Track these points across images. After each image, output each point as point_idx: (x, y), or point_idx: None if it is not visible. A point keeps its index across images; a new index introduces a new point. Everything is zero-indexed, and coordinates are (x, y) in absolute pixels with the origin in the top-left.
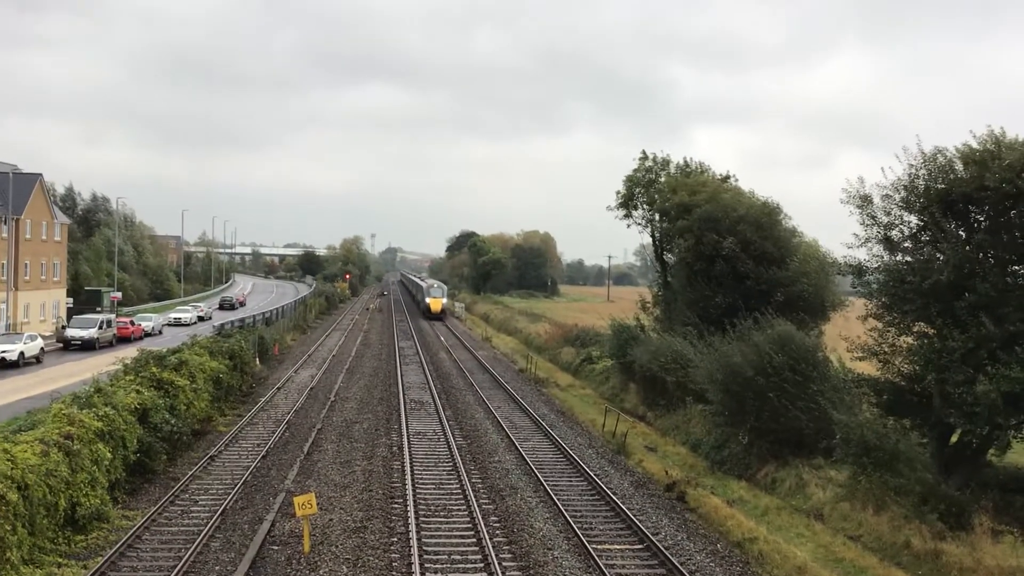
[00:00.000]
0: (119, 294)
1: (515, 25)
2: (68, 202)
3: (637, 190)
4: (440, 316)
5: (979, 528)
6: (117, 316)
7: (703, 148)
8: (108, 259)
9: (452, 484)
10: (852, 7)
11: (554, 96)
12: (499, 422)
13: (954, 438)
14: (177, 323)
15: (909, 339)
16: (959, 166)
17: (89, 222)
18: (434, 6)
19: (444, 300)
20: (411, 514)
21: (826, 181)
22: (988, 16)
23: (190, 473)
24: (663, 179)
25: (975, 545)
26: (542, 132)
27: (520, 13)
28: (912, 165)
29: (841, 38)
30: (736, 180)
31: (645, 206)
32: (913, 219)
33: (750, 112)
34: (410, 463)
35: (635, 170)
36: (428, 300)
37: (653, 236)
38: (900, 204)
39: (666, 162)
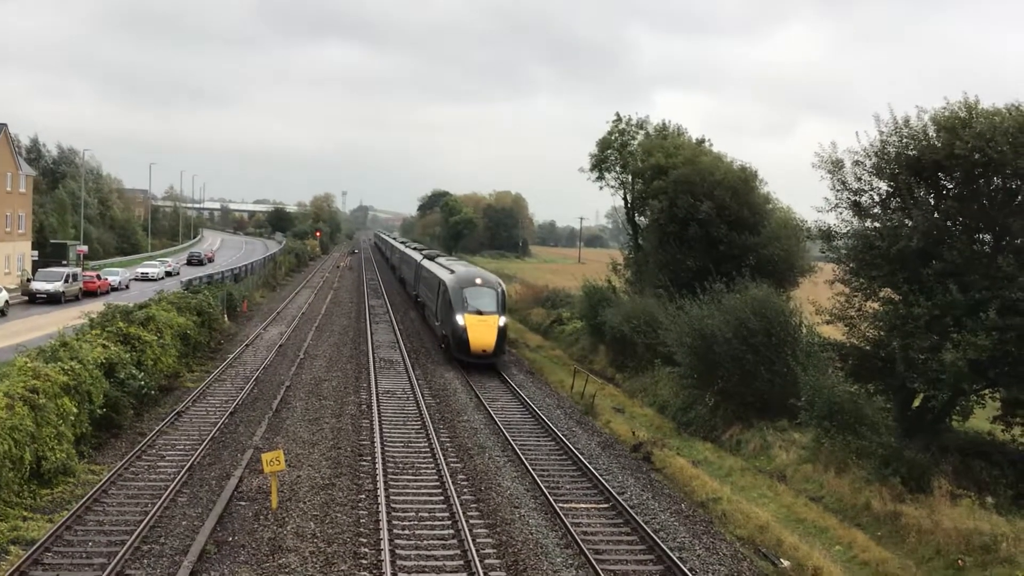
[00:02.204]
0: (85, 248)
1: None
2: (34, 154)
3: (610, 152)
4: (491, 357)
5: (938, 491)
6: (83, 270)
7: (665, 113)
8: (74, 212)
9: (421, 442)
10: None
11: (517, 59)
12: (468, 382)
13: (916, 402)
14: (144, 278)
15: (875, 304)
16: (932, 132)
17: (55, 174)
18: None
19: (503, 319)
20: (379, 472)
21: (787, 148)
22: None
23: (157, 428)
24: (637, 141)
25: (934, 507)
26: (507, 95)
27: None
28: (883, 131)
29: (799, 8)
30: (711, 144)
31: (618, 168)
32: (883, 185)
33: (711, 79)
34: (379, 421)
35: (608, 132)
36: (461, 316)
37: (625, 199)
38: (871, 170)
39: (641, 124)
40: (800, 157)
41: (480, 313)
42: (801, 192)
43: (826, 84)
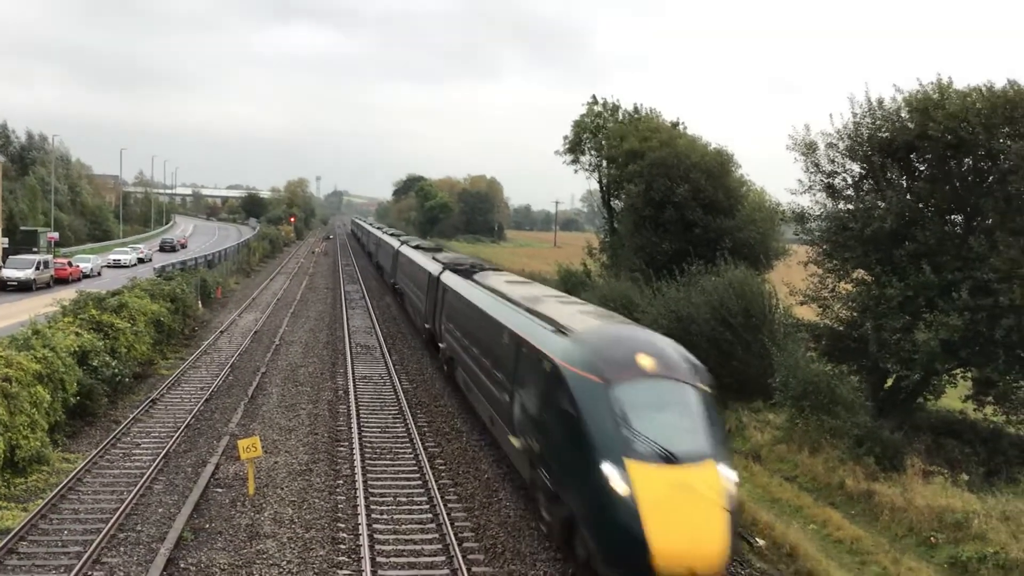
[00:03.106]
0: (56, 235)
1: None
2: (2, 140)
3: (585, 135)
4: None
5: (911, 470)
6: (55, 257)
7: (629, 94)
8: (44, 198)
9: (398, 427)
10: None
11: (485, 42)
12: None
13: (888, 382)
14: (117, 265)
15: (848, 286)
16: (904, 113)
17: (24, 160)
18: None
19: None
20: (357, 457)
21: (748, 131)
22: None
23: (132, 416)
24: (612, 125)
25: (906, 486)
26: (478, 77)
27: None
28: (856, 113)
29: None
30: (685, 127)
31: (593, 152)
32: (856, 167)
33: (671, 62)
34: (356, 406)
35: (583, 115)
36: (617, 473)
37: (600, 182)
38: (844, 152)
39: (615, 107)
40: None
41: (671, 460)
42: (766, 171)
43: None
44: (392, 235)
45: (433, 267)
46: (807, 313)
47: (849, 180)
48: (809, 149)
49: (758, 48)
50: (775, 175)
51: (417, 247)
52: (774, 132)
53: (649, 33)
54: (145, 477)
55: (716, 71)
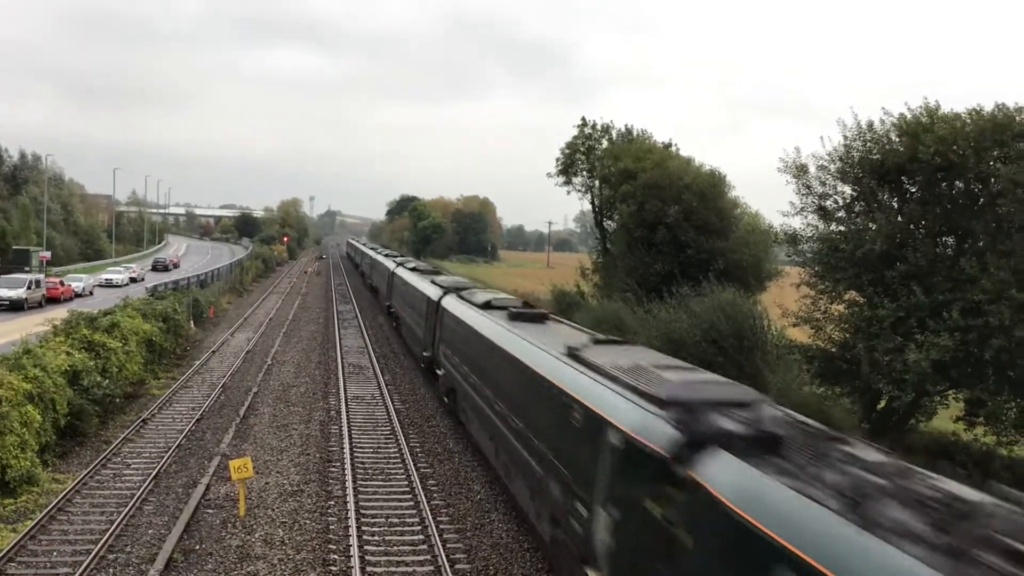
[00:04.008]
0: (48, 253)
1: None
2: None
3: (577, 156)
4: None
5: None
6: (47, 276)
7: (615, 114)
8: (37, 218)
9: (390, 448)
10: None
11: (472, 61)
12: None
13: (881, 404)
14: (109, 284)
15: (840, 307)
16: (895, 136)
17: (16, 180)
18: None
19: None
20: (348, 477)
21: (740, 148)
22: None
23: (122, 436)
24: (603, 145)
25: None
26: (466, 97)
27: None
28: (847, 136)
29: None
30: (678, 148)
31: (585, 173)
32: (847, 189)
33: (660, 79)
34: (348, 427)
35: (575, 137)
36: None
37: (593, 203)
38: (835, 174)
39: (606, 128)
40: (777, 158)
41: None
42: (756, 192)
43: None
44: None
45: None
46: (800, 335)
47: (840, 202)
48: (800, 171)
49: (751, 69)
50: (770, 196)
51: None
52: (768, 153)
53: (641, 52)
54: (135, 498)
55: (709, 91)
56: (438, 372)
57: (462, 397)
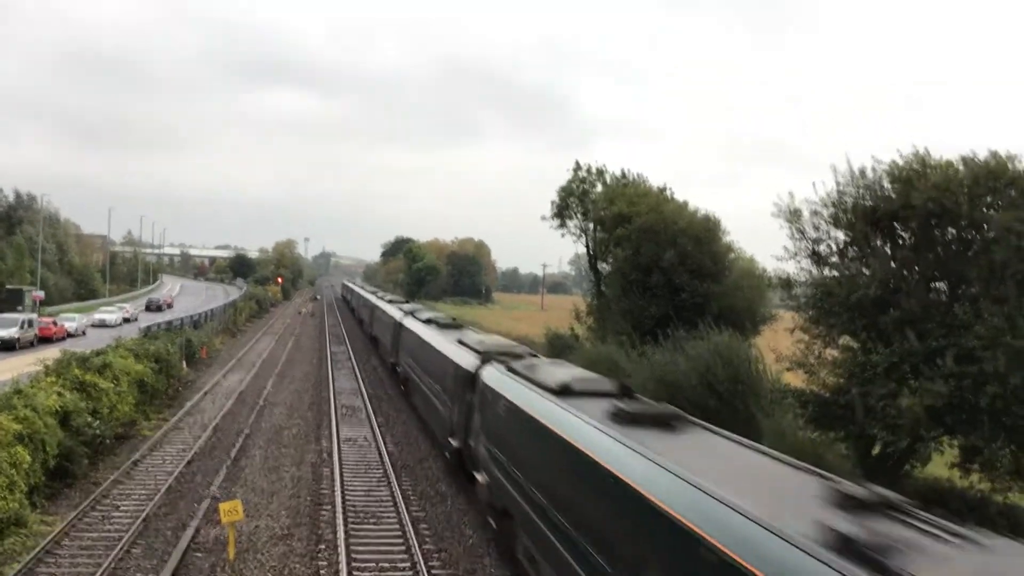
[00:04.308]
0: (42, 293)
1: (417, 37)
2: None
3: (571, 200)
4: None
5: None
6: (40, 316)
7: (612, 160)
8: (31, 257)
9: (382, 491)
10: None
11: (467, 106)
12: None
13: (875, 450)
14: (102, 324)
15: (834, 352)
16: (887, 183)
17: (11, 219)
18: (336, 20)
19: None
20: (339, 521)
21: (733, 193)
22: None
23: (112, 478)
24: (598, 189)
25: None
26: (461, 141)
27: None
28: (840, 182)
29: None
30: (673, 193)
31: (579, 216)
32: (841, 235)
33: (655, 131)
34: (340, 469)
35: (569, 180)
36: None
37: (587, 246)
38: (828, 220)
39: (600, 172)
40: (771, 204)
41: None
42: (750, 239)
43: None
44: (391, 302)
45: (467, 359)
46: (794, 379)
47: (834, 247)
48: (794, 216)
49: (744, 116)
50: (761, 236)
51: (430, 321)
52: (761, 199)
53: (632, 100)
54: (123, 541)
55: (701, 136)
56: (478, 478)
57: (530, 536)
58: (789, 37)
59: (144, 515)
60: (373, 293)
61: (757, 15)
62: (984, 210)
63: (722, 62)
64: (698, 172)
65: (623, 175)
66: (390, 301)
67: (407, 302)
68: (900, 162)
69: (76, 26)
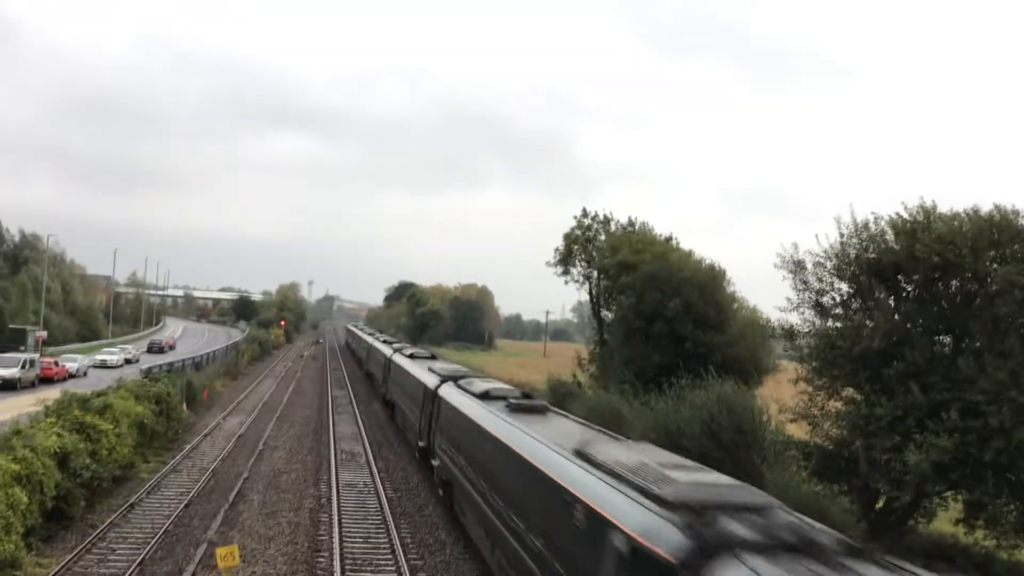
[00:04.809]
0: (45, 333)
1: (417, 84)
2: None
3: (575, 247)
4: None
5: None
6: (42, 356)
7: (616, 207)
8: (35, 297)
9: (380, 538)
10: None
11: (466, 151)
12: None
13: (880, 503)
14: (103, 365)
15: (838, 404)
16: (890, 235)
17: (17, 259)
18: (338, 68)
19: None
20: (337, 568)
21: (732, 246)
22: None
23: (109, 520)
24: (602, 237)
25: None
26: (464, 186)
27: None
28: (843, 233)
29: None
30: (678, 241)
31: (583, 264)
32: (844, 286)
33: (656, 178)
34: (338, 515)
35: (574, 228)
36: None
37: (591, 293)
38: (832, 271)
39: (606, 220)
40: (775, 253)
41: None
42: (749, 287)
43: (767, 188)
44: (385, 341)
45: (429, 379)
46: (797, 431)
47: (837, 298)
48: (798, 267)
49: (748, 164)
50: (762, 285)
51: (412, 356)
52: (764, 248)
53: (631, 145)
54: None
55: (700, 184)
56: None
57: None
58: (788, 95)
59: (140, 559)
60: (371, 335)
61: (761, 74)
62: (987, 264)
63: (722, 110)
64: (697, 219)
65: (630, 223)
66: (384, 341)
67: (398, 341)
68: (904, 214)
69: (79, 69)
